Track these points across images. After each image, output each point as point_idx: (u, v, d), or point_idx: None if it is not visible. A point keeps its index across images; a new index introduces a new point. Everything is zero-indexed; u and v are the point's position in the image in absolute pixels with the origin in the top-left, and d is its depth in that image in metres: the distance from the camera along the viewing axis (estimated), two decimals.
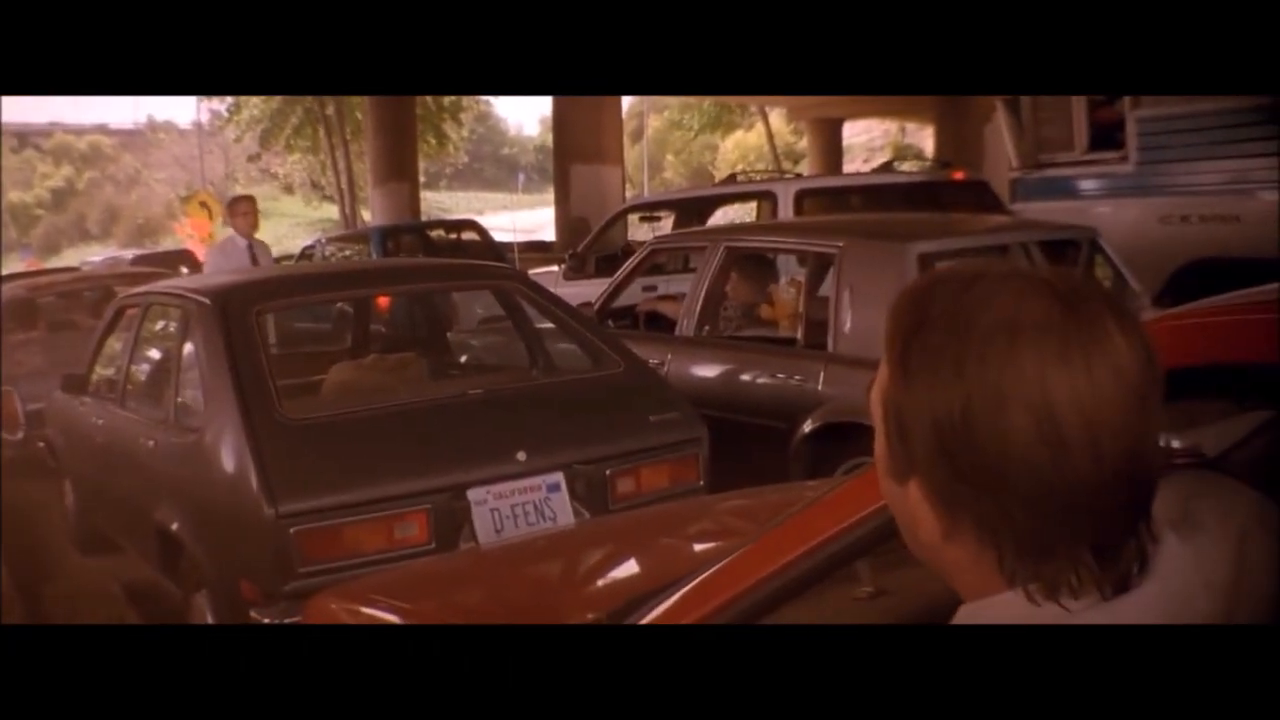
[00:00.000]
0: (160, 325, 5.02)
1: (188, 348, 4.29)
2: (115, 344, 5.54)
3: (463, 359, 6.78)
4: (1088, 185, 7.68)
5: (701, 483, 4.22)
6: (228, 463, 3.69)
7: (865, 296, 4.79)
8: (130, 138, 66.23)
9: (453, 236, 15.10)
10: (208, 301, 4.19)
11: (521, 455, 3.81)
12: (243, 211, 8.55)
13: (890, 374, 0.90)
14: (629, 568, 2.71)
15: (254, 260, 8.14)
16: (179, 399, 4.27)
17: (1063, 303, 0.83)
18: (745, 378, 5.24)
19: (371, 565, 3.45)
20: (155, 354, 4.97)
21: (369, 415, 3.93)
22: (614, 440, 4.06)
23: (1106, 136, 7.51)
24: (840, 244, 4.99)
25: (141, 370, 5.02)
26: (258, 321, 4.06)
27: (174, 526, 4.07)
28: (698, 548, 2.71)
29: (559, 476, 3.87)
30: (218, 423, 3.79)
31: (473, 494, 3.72)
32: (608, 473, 3.98)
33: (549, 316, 4.75)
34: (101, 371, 5.60)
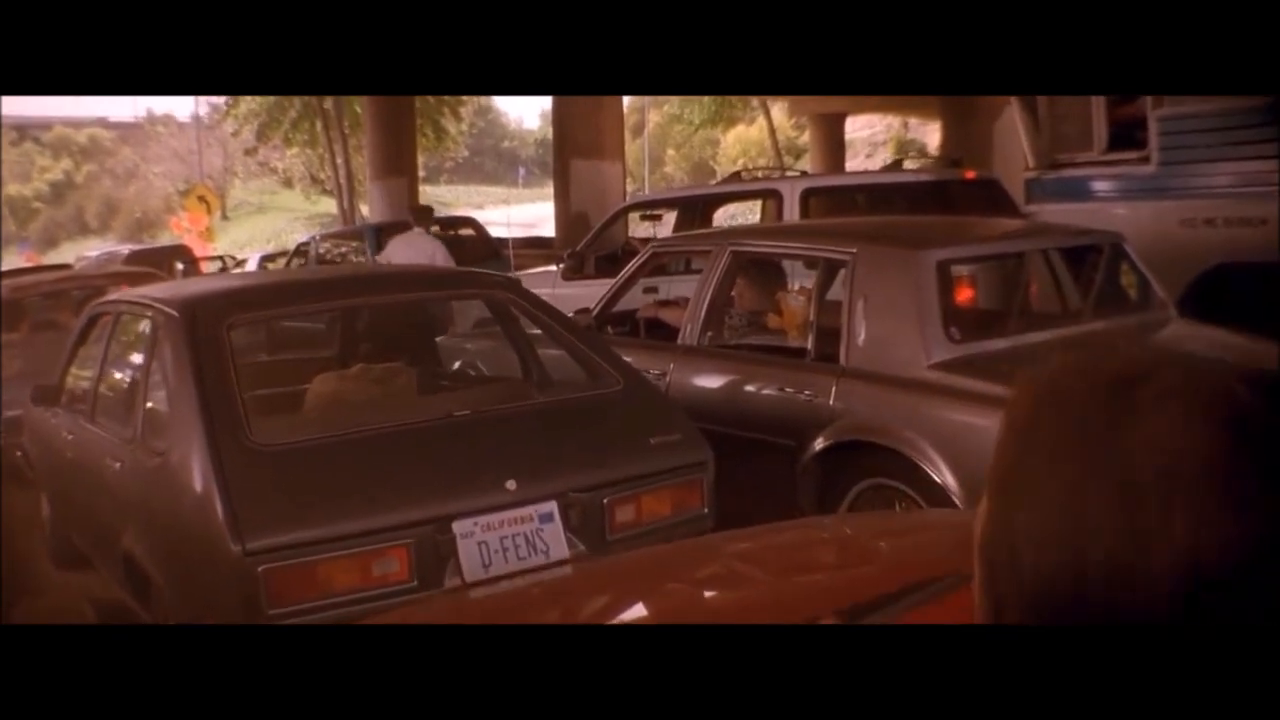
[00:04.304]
0: (131, 336, 4.72)
1: (156, 362, 4.01)
2: (89, 353, 5.27)
3: (456, 364, 6.49)
4: (1107, 186, 7.37)
5: (706, 509, 3.94)
6: (191, 492, 3.39)
7: (879, 306, 4.52)
8: (129, 131, 65.94)
9: (450, 233, 14.85)
10: (175, 313, 3.90)
11: (511, 484, 3.52)
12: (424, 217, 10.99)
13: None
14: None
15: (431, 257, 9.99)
16: (146, 417, 3.98)
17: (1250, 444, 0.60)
18: (752, 391, 4.96)
19: (347, 606, 3.17)
20: (125, 367, 4.68)
21: (346, 440, 3.62)
22: (612, 465, 3.76)
23: (1127, 136, 7.20)
24: (853, 250, 4.71)
25: (111, 383, 4.73)
26: (229, 336, 3.77)
27: (139, 555, 3.80)
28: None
29: (552, 506, 3.58)
30: (182, 447, 3.51)
31: (459, 526, 3.43)
32: (605, 501, 3.68)
33: (543, 329, 4.47)
34: (74, 382, 5.33)
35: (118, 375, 4.68)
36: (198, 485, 3.36)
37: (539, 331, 4.65)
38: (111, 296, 5.00)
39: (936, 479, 4.14)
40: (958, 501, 4.06)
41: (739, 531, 2.70)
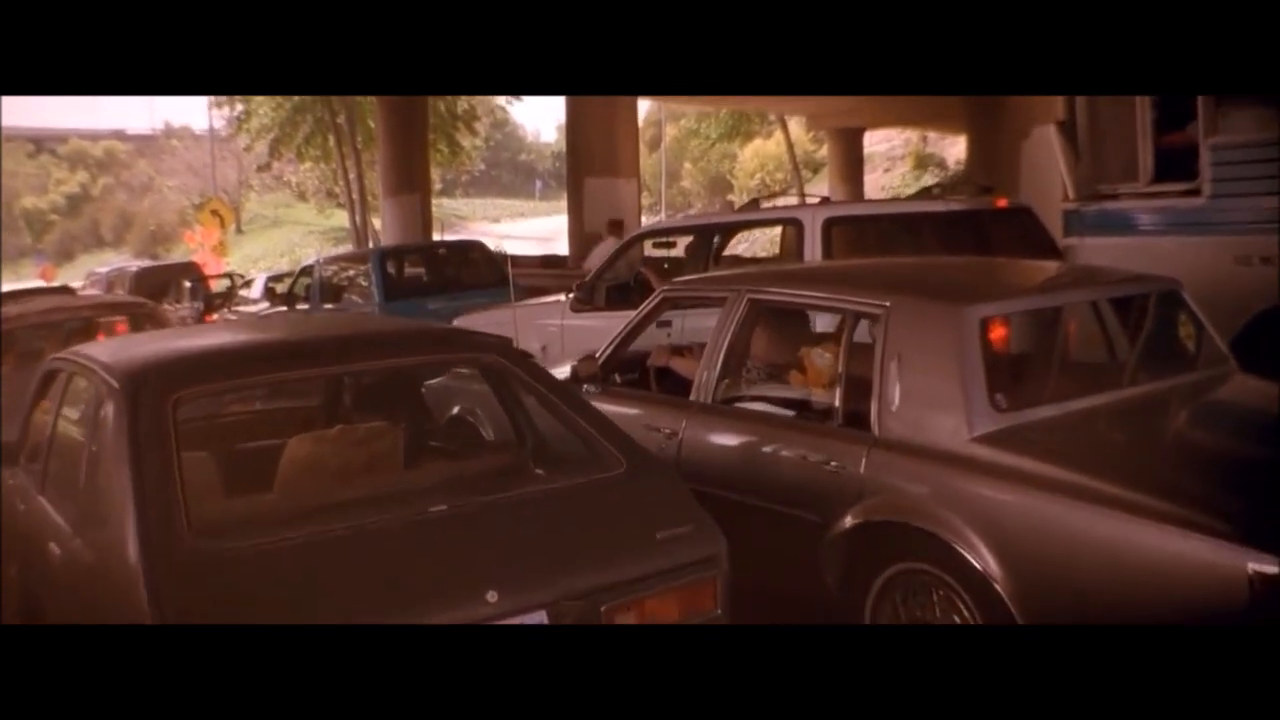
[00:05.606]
0: (79, 402, 4.26)
1: (96, 440, 3.55)
2: (43, 414, 4.83)
3: (455, 409, 6.02)
4: (1153, 220, 6.84)
5: (719, 610, 3.45)
6: (123, 604, 2.90)
7: (917, 369, 4.05)
8: (145, 143, 66.02)
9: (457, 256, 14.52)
10: (117, 385, 3.44)
11: (492, 595, 3.02)
12: (617, 229, 13.33)
13: None
14: None
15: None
16: (85, 500, 3.51)
17: None
18: (772, 457, 4.49)
19: None
20: (71, 437, 4.22)
21: (303, 544, 3.14)
22: (611, 566, 3.26)
23: (1175, 165, 6.69)
24: (886, 303, 4.23)
25: (59, 453, 4.27)
26: (176, 412, 3.30)
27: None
28: None
29: (541, 616, 3.10)
30: (113, 547, 3.02)
31: None
32: (602, 608, 3.19)
33: (538, 399, 3.97)
34: (33, 439, 4.89)
35: (64, 445, 4.22)
36: (128, 597, 2.87)
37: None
38: (66, 353, 4.52)
39: (978, 566, 3.67)
40: (1000, 590, 3.58)
41: None
